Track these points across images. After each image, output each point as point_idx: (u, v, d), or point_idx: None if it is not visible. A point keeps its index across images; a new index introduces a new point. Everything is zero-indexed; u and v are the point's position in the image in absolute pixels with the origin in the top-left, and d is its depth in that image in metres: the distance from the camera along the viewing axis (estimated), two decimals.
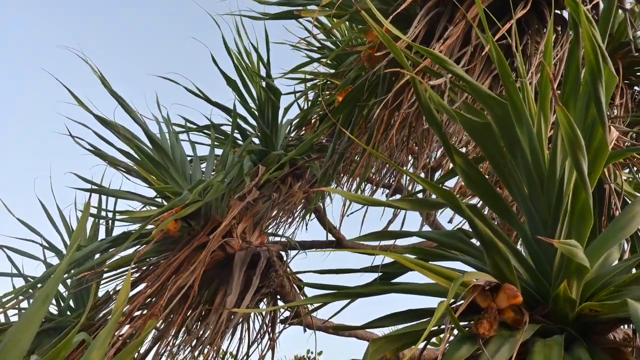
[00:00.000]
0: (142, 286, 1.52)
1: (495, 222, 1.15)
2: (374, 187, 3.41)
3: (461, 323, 0.90)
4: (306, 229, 2.87)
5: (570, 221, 0.86)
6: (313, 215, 2.79)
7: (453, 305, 0.92)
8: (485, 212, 1.35)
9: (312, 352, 4.73)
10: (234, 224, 1.77)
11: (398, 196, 3.48)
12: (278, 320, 2.10)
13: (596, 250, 1.00)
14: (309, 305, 1.67)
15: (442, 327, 1.01)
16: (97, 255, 1.73)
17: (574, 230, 0.87)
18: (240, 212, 1.79)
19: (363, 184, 3.31)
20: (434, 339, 1.23)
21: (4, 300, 1.44)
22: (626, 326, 1.15)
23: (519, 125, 0.94)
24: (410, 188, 2.87)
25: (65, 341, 0.69)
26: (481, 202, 1.29)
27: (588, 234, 0.88)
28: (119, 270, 1.70)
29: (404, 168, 2.74)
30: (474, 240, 1.15)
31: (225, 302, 1.65)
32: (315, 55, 2.46)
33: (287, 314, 2.23)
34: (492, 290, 0.90)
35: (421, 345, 1.03)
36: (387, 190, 3.48)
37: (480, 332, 0.83)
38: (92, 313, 1.85)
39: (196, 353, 2.06)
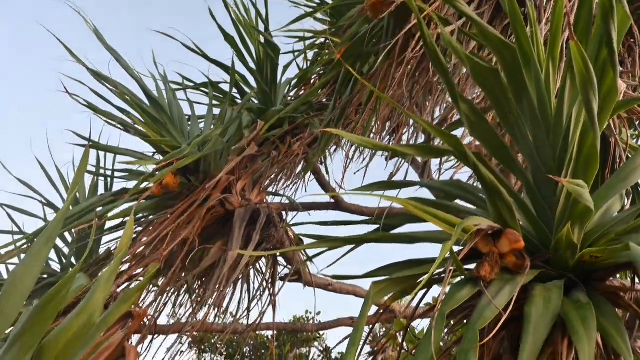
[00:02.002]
0: (143, 240, 1.53)
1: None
2: (373, 151, 3.39)
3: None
4: (305, 190, 2.87)
5: (575, 166, 0.85)
6: (312, 177, 2.79)
7: (455, 251, 0.92)
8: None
9: (310, 313, 4.84)
10: (233, 181, 1.77)
11: (397, 159, 3.48)
12: (278, 278, 2.13)
13: (598, 199, 1.00)
14: (309, 253, 1.69)
15: (443, 276, 1.03)
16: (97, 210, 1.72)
17: (579, 176, 0.87)
18: (239, 169, 1.78)
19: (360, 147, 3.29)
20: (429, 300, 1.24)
21: (3, 252, 1.45)
22: (623, 277, 1.17)
23: (527, 71, 0.92)
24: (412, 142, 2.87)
25: (66, 279, 0.69)
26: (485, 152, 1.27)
27: (592, 180, 0.87)
28: (118, 223, 1.70)
29: (406, 128, 2.72)
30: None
31: (226, 258, 1.67)
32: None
33: (286, 273, 2.26)
34: (494, 236, 0.90)
35: (420, 294, 1.05)
36: (386, 154, 3.48)
37: (481, 275, 0.83)
38: (94, 269, 1.87)
39: (197, 310, 2.09)
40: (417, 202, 0.88)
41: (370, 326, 2.23)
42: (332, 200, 2.97)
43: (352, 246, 1.30)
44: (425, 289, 1.10)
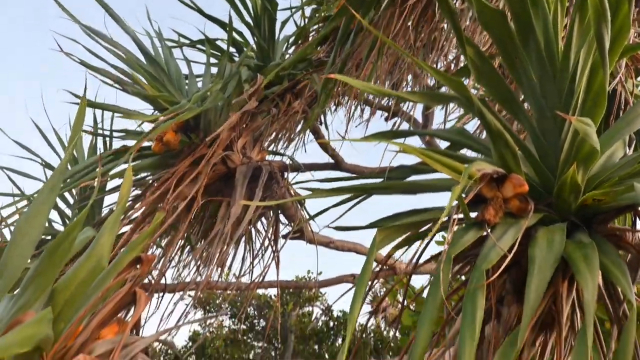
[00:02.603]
0: (147, 195, 1.53)
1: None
2: (373, 110, 3.37)
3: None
4: (305, 151, 2.86)
5: (582, 108, 0.84)
6: (312, 137, 2.77)
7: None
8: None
9: (312, 273, 4.94)
10: (234, 138, 1.76)
11: (396, 119, 3.45)
12: (280, 236, 2.15)
13: (602, 144, 1.00)
14: (312, 210, 1.70)
15: (446, 226, 1.04)
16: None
17: (586, 117, 0.86)
18: (240, 125, 1.77)
19: (360, 106, 3.27)
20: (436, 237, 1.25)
21: (4, 214, 1.45)
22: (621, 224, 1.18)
23: (534, 11, 0.90)
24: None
25: (74, 223, 0.69)
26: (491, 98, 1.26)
27: (599, 121, 0.87)
28: (120, 184, 1.70)
29: (406, 85, 2.68)
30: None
31: (229, 214, 1.68)
32: None
33: (289, 231, 2.29)
34: (498, 182, 0.90)
35: (422, 247, 1.06)
36: (386, 114, 3.45)
37: (486, 218, 0.84)
38: (97, 229, 1.88)
39: (201, 268, 2.13)
40: (422, 149, 0.87)
41: (371, 283, 2.28)
42: (332, 161, 2.97)
43: (355, 201, 1.31)
44: (428, 240, 1.12)
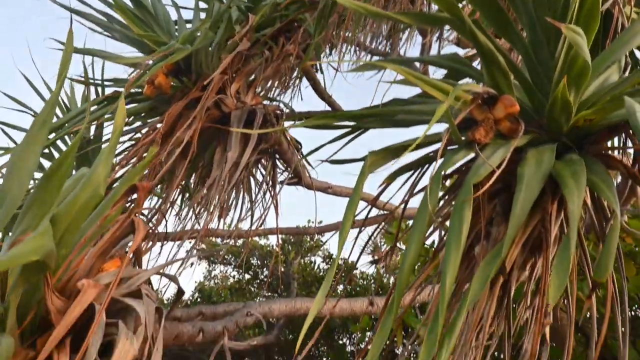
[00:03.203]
0: (139, 144, 1.53)
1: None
2: (369, 54, 3.30)
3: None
4: (301, 99, 2.83)
5: (576, 24, 0.83)
6: (307, 84, 2.74)
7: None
8: None
9: (312, 222, 5.03)
10: (227, 82, 1.74)
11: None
12: (278, 181, 2.17)
13: (596, 66, 0.99)
14: (307, 149, 1.70)
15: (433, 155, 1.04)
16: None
17: None
18: (232, 68, 1.74)
19: (357, 52, 3.21)
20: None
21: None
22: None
23: None
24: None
25: (70, 148, 0.70)
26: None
27: (592, 38, 0.85)
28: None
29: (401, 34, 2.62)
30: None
31: (225, 158, 1.69)
32: None
33: (287, 177, 2.31)
34: (489, 104, 0.90)
35: (412, 179, 1.08)
36: (380, 57, 3.39)
37: (476, 138, 0.84)
38: None
39: (200, 215, 2.16)
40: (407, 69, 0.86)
41: (369, 231, 2.30)
42: (329, 108, 2.95)
43: (349, 137, 1.31)
44: (419, 170, 1.13)
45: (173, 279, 1.17)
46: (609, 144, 1.09)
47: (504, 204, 1.00)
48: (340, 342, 5.30)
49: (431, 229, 1.14)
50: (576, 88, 0.89)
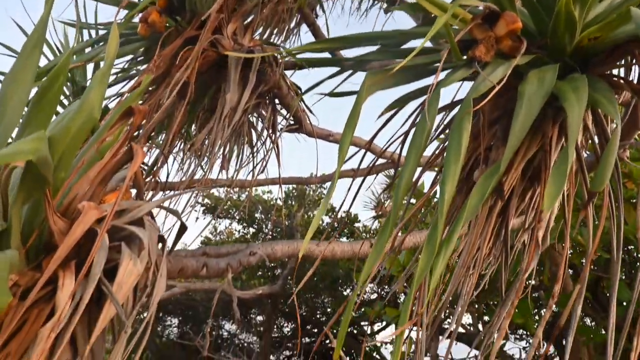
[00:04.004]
0: (135, 83, 1.51)
1: None
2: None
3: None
4: (300, 43, 2.77)
5: None
6: (307, 29, 2.67)
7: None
8: None
9: (314, 174, 5.04)
10: (223, 21, 1.69)
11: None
12: (279, 127, 2.16)
13: None
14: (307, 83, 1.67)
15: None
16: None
17: None
18: (228, 8, 1.69)
19: None
20: None
21: None
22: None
23: None
24: None
25: (63, 60, 0.68)
26: None
27: None
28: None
29: None
30: None
31: (224, 100, 1.67)
32: None
33: (288, 126, 2.29)
34: (491, 23, 0.88)
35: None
36: (385, 4, 3.28)
37: (476, 55, 0.82)
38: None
39: (201, 162, 2.16)
40: None
41: (375, 188, 2.28)
42: (330, 55, 2.88)
43: (348, 73, 1.28)
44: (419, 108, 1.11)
45: (175, 213, 1.19)
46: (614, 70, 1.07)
47: (504, 129, 0.99)
48: (344, 292, 5.45)
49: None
50: (581, 5, 0.86)
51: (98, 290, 0.81)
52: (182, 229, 1.22)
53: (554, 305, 0.77)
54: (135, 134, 1.80)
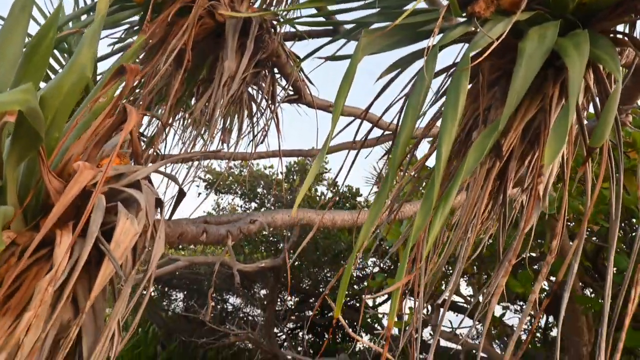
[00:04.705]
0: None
1: None
2: None
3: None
4: (300, 12, 2.72)
5: None
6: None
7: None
8: None
9: (314, 148, 5.03)
10: None
11: None
12: (278, 98, 2.14)
13: None
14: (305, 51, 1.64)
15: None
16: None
17: None
18: None
19: None
20: None
21: None
22: None
23: None
24: None
25: (52, 17, 0.67)
26: None
27: None
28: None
29: None
30: None
31: (222, 68, 1.65)
32: None
33: (288, 97, 2.27)
34: None
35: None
36: None
37: (475, 11, 0.80)
38: None
39: (200, 133, 2.15)
40: None
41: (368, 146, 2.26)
42: (331, 28, 2.83)
43: (350, 35, 1.26)
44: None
45: (173, 178, 1.19)
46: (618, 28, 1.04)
47: (504, 90, 0.98)
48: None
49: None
50: None
51: (98, 253, 0.82)
52: (181, 194, 1.22)
53: (551, 263, 0.77)
54: (132, 99, 1.78)
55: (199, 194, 4.98)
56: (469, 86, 1.03)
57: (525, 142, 1.03)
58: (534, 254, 3.44)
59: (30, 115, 0.56)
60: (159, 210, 1.01)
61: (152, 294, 5.84)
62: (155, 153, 2.07)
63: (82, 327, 0.80)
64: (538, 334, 4.57)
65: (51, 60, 2.03)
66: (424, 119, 1.07)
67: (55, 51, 2.05)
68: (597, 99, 0.94)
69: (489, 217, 1.14)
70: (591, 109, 1.03)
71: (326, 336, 6.08)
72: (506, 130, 0.91)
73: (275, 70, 2.00)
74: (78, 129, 0.80)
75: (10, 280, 0.69)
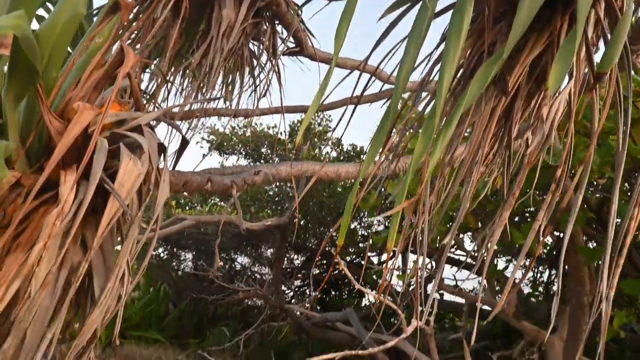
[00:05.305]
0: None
1: None
2: None
3: None
4: None
5: None
6: None
7: None
8: None
9: (319, 117, 4.98)
10: None
11: None
12: (279, 51, 2.09)
13: None
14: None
15: None
16: None
17: None
18: None
19: None
20: None
21: None
22: None
23: None
24: None
25: None
26: None
27: None
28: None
29: None
30: None
31: (222, 16, 1.60)
32: None
33: (288, 50, 2.22)
34: None
35: None
36: None
37: None
38: None
39: (201, 88, 2.12)
40: None
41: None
42: None
43: None
44: None
45: (175, 126, 1.18)
46: None
47: (509, 25, 0.94)
48: (352, 225, 5.57)
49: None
50: None
51: (104, 200, 0.82)
52: (184, 143, 1.22)
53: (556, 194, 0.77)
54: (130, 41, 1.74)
55: (204, 155, 4.98)
56: (474, 23, 1.00)
57: (532, 81, 1.01)
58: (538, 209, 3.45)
59: (25, 43, 0.55)
60: (162, 157, 1.01)
61: (162, 254, 5.96)
62: (156, 108, 2.05)
63: (92, 267, 0.82)
64: (540, 289, 4.65)
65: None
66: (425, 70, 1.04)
67: None
68: (608, 34, 0.91)
69: (494, 159, 1.13)
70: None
71: (333, 293, 6.23)
72: (512, 65, 0.89)
73: (276, 21, 1.95)
74: (76, 69, 0.79)
75: (18, 220, 0.70)
